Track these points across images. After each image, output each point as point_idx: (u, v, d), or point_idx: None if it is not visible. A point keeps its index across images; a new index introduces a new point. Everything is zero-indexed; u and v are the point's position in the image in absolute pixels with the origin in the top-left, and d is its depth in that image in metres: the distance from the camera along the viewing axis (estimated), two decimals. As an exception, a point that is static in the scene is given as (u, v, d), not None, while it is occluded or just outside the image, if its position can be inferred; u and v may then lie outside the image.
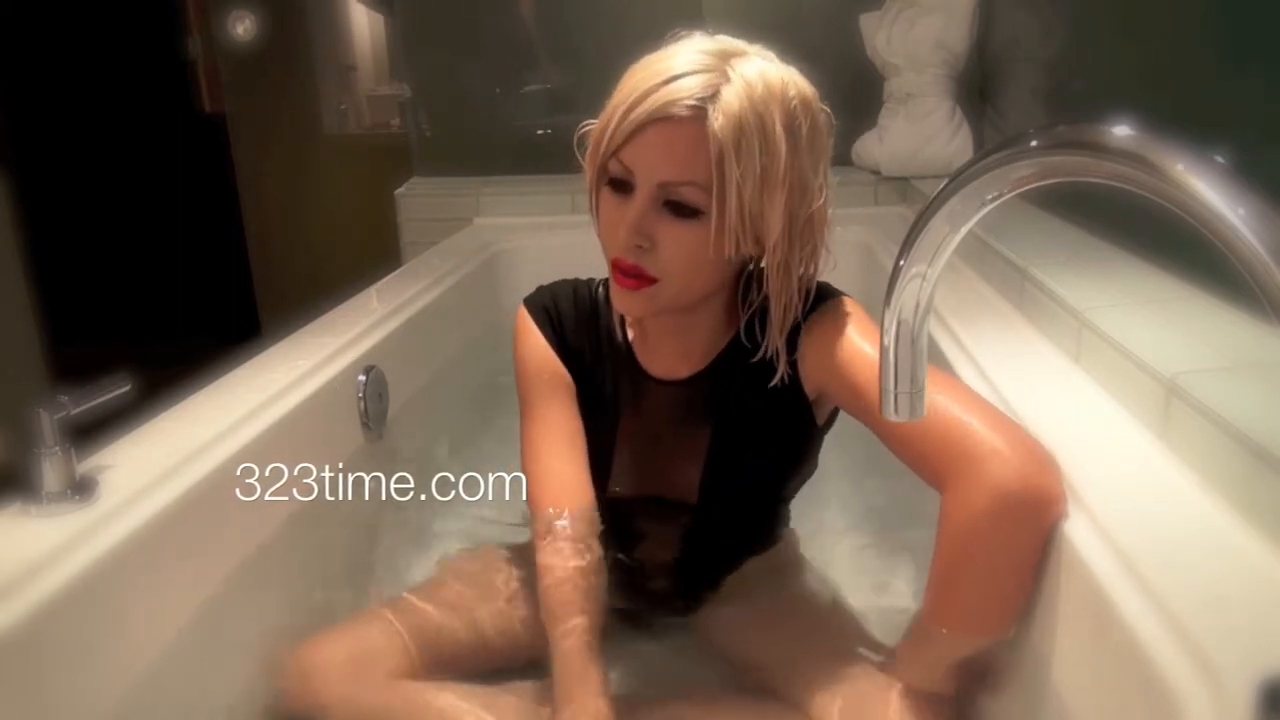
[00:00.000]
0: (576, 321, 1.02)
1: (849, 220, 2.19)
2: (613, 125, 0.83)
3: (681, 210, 0.83)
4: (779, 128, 0.81)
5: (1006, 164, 0.49)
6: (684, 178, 0.82)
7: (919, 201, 2.21)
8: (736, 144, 0.79)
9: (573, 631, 0.87)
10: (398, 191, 2.54)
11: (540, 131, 2.73)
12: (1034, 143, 0.48)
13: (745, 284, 0.95)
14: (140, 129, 3.69)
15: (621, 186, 0.85)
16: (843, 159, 2.58)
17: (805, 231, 0.87)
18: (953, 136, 2.30)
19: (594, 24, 2.66)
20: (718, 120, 0.79)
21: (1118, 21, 1.56)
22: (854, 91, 2.54)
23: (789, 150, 0.82)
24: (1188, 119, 0.85)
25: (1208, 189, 0.40)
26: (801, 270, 0.89)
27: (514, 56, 2.71)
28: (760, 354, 0.92)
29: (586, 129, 0.89)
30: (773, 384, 0.92)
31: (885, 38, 2.33)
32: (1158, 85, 1.35)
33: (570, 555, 0.92)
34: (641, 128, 0.82)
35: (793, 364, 0.92)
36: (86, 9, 3.59)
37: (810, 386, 0.94)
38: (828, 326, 0.91)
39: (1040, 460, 0.76)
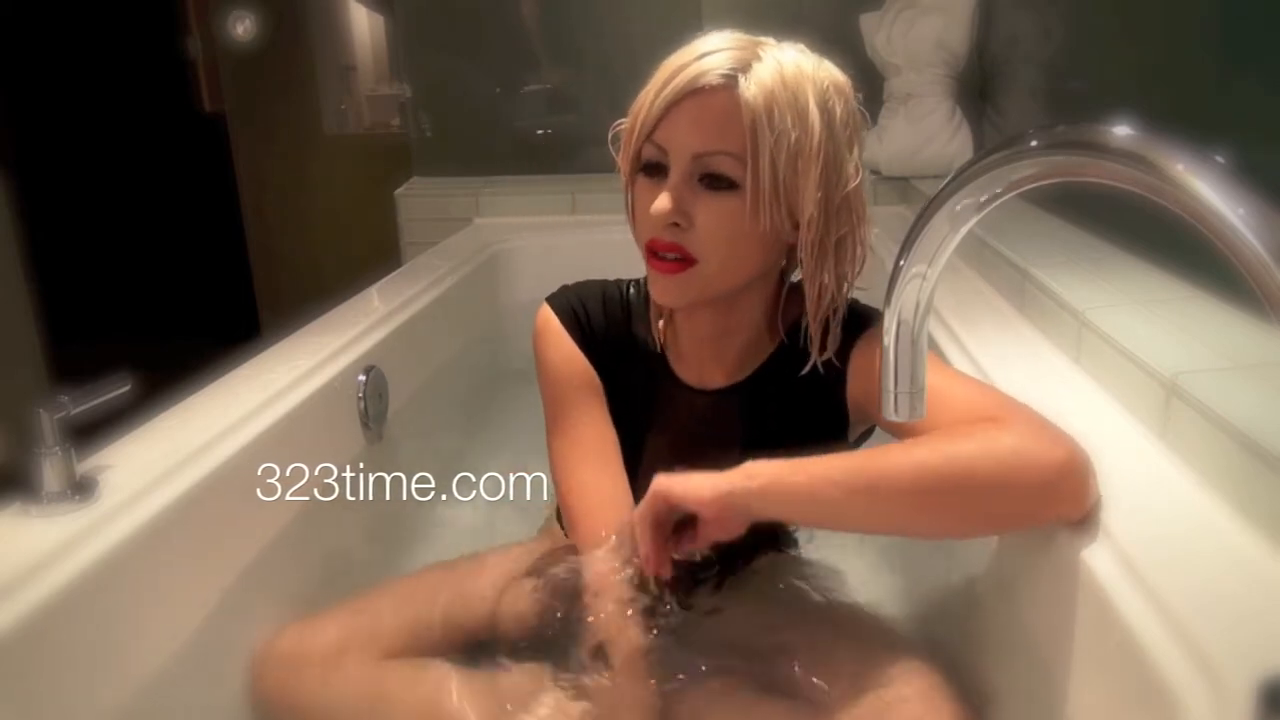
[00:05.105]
0: (607, 325, 0.98)
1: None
2: (645, 108, 0.84)
3: (717, 183, 0.83)
4: (812, 104, 0.82)
5: (1006, 164, 0.49)
6: (717, 147, 0.82)
7: (919, 201, 2.21)
8: (769, 111, 0.80)
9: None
10: (398, 191, 2.55)
11: (540, 131, 2.73)
12: (1034, 143, 0.48)
13: (788, 295, 0.93)
14: (140, 128, 3.70)
15: (656, 170, 0.85)
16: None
17: (842, 212, 0.86)
18: (953, 136, 2.30)
19: (594, 24, 2.66)
20: (750, 89, 0.80)
21: (1117, 22, 1.56)
22: (854, 91, 2.54)
23: (823, 125, 0.82)
24: (1188, 119, 0.85)
25: (1208, 189, 0.40)
26: (835, 262, 0.87)
27: (514, 57, 2.71)
28: (808, 366, 0.89)
29: (620, 127, 0.89)
30: (804, 373, 0.88)
31: (885, 38, 2.33)
32: (1158, 85, 1.35)
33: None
34: (674, 104, 0.82)
35: (840, 380, 0.90)
36: (87, 8, 3.59)
37: (854, 404, 0.91)
38: (879, 347, 0.89)
39: (1088, 473, 0.73)
